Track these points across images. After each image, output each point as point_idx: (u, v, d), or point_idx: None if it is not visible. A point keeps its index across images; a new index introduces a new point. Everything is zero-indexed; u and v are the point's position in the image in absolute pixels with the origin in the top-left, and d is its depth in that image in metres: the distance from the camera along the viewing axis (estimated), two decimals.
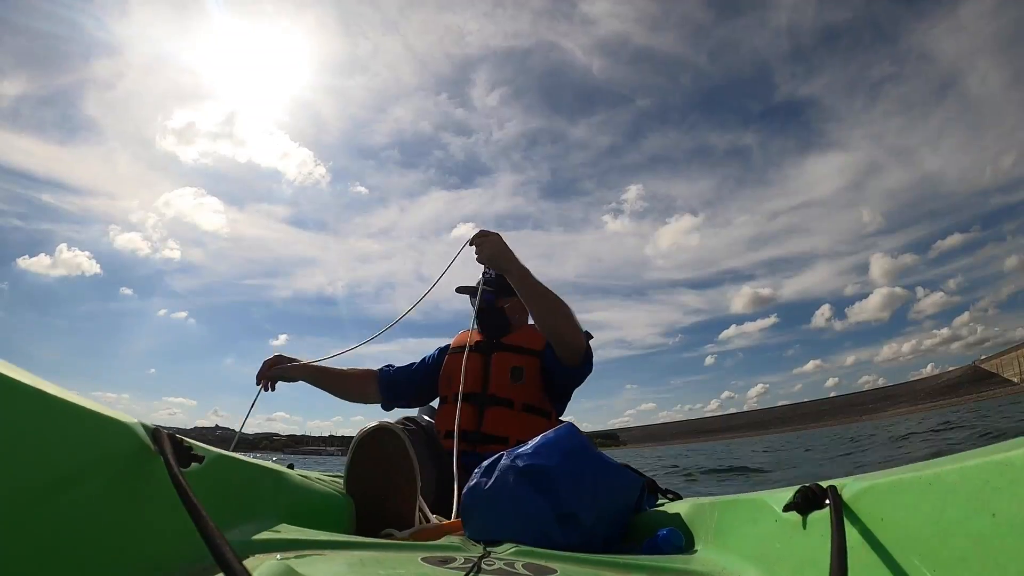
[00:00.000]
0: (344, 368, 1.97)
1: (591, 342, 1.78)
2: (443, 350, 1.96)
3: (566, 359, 1.69)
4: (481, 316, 1.92)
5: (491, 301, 1.91)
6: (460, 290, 1.99)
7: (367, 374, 1.97)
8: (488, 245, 1.68)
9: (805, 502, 0.55)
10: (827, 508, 0.51)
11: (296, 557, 0.60)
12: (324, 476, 1.28)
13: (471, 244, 1.71)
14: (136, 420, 0.54)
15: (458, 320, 2.05)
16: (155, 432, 0.54)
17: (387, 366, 1.99)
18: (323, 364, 1.94)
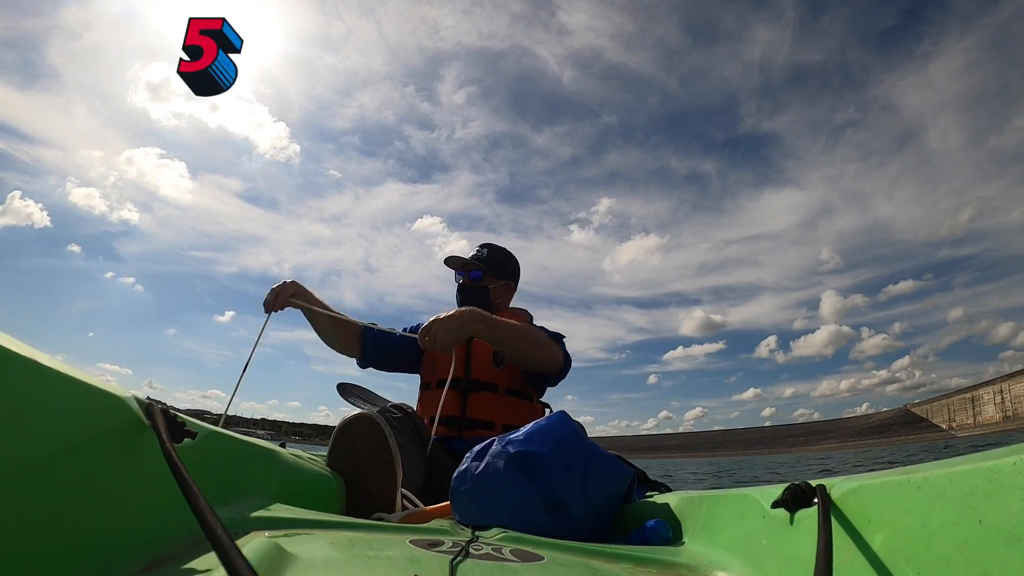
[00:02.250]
0: (341, 314, 1.87)
1: (564, 340, 1.77)
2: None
3: (546, 372, 1.69)
4: (464, 292, 1.88)
5: (477, 279, 1.87)
6: (449, 261, 1.94)
7: (354, 329, 1.91)
8: (437, 333, 1.50)
9: (793, 500, 0.56)
10: (815, 507, 0.51)
11: (285, 535, 0.60)
12: (315, 456, 1.29)
13: (425, 348, 1.55)
14: (130, 394, 0.53)
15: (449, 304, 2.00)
16: (148, 406, 0.54)
17: (371, 324, 1.93)
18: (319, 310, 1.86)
